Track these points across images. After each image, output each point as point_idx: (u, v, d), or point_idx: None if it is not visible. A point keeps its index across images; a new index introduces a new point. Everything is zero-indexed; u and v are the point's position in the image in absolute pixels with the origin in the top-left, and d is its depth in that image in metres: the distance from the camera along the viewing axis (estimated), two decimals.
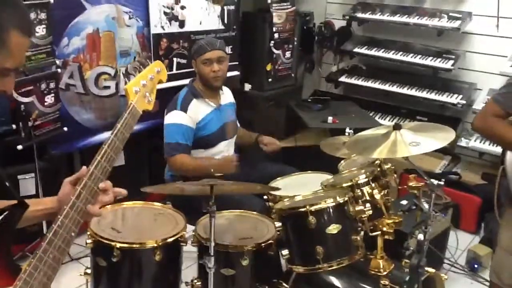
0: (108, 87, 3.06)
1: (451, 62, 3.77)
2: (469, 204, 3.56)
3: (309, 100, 4.08)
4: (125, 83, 3.14)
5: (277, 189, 2.30)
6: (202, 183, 1.94)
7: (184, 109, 2.64)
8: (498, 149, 3.54)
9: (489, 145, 3.66)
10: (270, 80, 3.98)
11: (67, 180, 1.30)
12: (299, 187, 2.48)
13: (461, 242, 3.32)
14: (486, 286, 2.94)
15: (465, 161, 3.95)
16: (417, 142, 2.02)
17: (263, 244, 2.10)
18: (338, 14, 4.37)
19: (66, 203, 1.17)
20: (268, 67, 3.94)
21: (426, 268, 2.01)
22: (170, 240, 2.05)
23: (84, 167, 1.24)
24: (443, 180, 2.54)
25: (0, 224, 1.15)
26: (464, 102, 3.73)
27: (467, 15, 3.71)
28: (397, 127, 2.08)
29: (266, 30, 3.86)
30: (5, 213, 1.17)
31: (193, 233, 2.19)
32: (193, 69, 2.81)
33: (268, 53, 3.92)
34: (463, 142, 3.70)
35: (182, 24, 3.31)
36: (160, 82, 1.49)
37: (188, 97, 2.67)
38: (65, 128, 2.88)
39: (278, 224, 2.09)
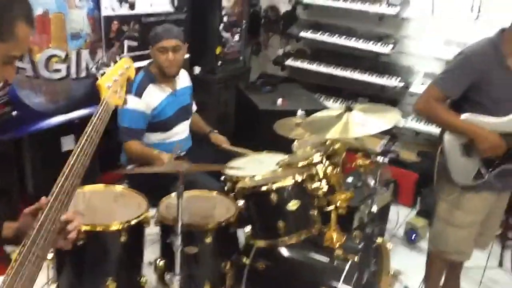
0: (59, 70, 2.99)
1: (391, 46, 4.00)
2: (406, 179, 3.84)
3: (258, 82, 4.18)
4: (76, 65, 3.09)
5: (239, 168, 2.41)
6: (171, 167, 2.00)
7: (139, 94, 2.65)
8: (432, 129, 3.84)
9: (424, 124, 3.95)
10: (219, 63, 4.04)
11: (27, 210, 1.29)
12: (254, 167, 2.59)
13: (400, 215, 3.59)
14: (422, 255, 3.22)
15: (402, 140, 4.23)
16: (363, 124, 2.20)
17: (224, 222, 2.20)
18: None
19: (26, 234, 1.16)
20: (218, 50, 3.99)
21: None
22: (134, 221, 2.09)
23: (43, 198, 1.22)
24: (387, 158, 2.75)
25: None
26: (402, 84, 3.98)
27: (405, 1, 3.94)
28: (348, 109, 2.23)
29: (216, 13, 3.90)
30: None
31: (156, 213, 2.25)
32: (144, 52, 2.81)
33: (217, 36, 3.97)
34: (400, 122, 3.96)
35: (132, 6, 3.29)
36: (129, 78, 1.52)
37: (144, 82, 2.68)
38: (14, 113, 2.80)
39: (241, 202, 2.19)
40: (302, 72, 4.42)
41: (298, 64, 4.37)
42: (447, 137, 2.29)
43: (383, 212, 3.26)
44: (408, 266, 3.01)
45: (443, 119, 2.28)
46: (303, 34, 4.29)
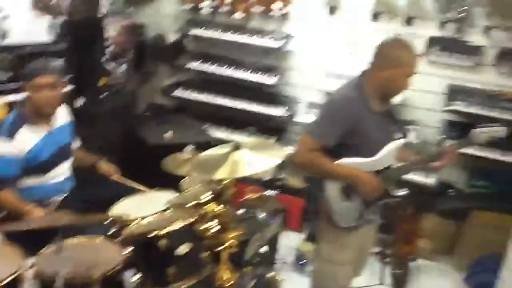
0: None
1: (276, 77, 4.14)
2: (294, 206, 3.95)
3: (146, 114, 4.08)
4: None
5: (125, 213, 2.30)
6: (49, 222, 1.85)
7: (10, 137, 2.45)
8: None
9: None
10: (104, 94, 3.88)
11: None
12: (142, 208, 2.49)
13: (289, 242, 3.68)
14: None
15: (288, 167, 4.37)
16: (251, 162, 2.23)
17: (110, 272, 2.08)
18: (172, 28, 4.45)
19: None
20: (102, 81, 3.84)
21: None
22: (7, 281, 1.89)
23: None
24: (279, 189, 2.79)
25: None
26: (288, 114, 4.15)
27: (289, 36, 4.12)
28: (236, 147, 2.26)
29: (100, 43, 3.76)
30: None
31: (34, 267, 2.06)
32: (19, 85, 2.62)
33: (101, 67, 3.81)
34: (287, 149, 4.11)
35: (4, 35, 3.04)
36: None
37: (16, 123, 2.49)
38: None
39: (128, 249, 2.09)
40: (191, 102, 4.40)
41: (187, 94, 4.36)
42: (327, 186, 2.31)
43: (273, 241, 3.32)
44: None
45: (324, 169, 2.26)
46: (191, 64, 4.29)
